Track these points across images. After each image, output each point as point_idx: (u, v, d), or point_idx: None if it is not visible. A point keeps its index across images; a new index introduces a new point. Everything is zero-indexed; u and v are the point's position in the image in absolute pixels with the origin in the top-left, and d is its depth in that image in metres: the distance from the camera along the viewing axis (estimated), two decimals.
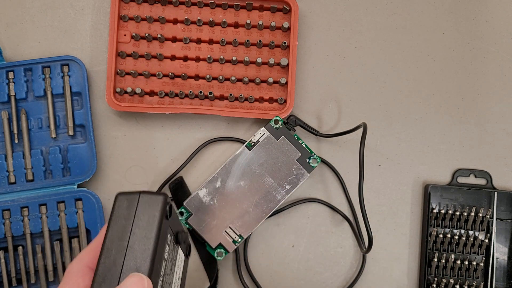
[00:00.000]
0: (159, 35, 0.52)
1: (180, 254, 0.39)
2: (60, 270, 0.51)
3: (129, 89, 0.52)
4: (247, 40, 0.52)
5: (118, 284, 0.30)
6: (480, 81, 0.56)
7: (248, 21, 0.52)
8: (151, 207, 0.33)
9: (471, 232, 0.53)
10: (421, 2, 0.56)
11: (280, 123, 0.51)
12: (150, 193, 0.34)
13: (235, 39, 0.53)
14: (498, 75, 0.56)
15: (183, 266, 0.40)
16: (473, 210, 0.53)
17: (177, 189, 0.52)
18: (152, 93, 0.53)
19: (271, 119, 0.52)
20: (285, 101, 0.53)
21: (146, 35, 0.52)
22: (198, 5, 0.53)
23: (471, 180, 0.55)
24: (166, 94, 0.53)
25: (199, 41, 0.53)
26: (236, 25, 0.53)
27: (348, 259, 0.54)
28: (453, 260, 0.53)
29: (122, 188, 0.53)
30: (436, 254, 0.53)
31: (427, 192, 0.54)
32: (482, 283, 0.53)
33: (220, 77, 0.53)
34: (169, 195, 0.53)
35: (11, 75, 0.51)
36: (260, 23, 0.52)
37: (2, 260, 0.50)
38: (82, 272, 0.32)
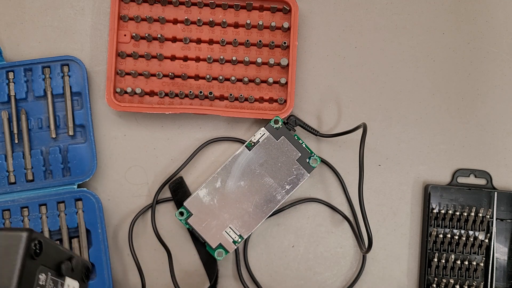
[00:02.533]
0: (159, 35, 0.52)
1: (71, 284, 0.35)
2: None
3: (129, 89, 0.52)
4: (247, 40, 0.52)
5: None
6: (480, 81, 0.56)
7: (248, 21, 0.52)
8: (10, 248, 0.28)
9: (471, 232, 0.53)
10: (421, 2, 0.56)
11: (280, 123, 0.51)
12: (9, 230, 0.29)
13: (235, 39, 0.53)
14: (498, 75, 0.56)
15: None
16: (473, 210, 0.53)
17: (177, 189, 0.52)
18: (152, 93, 0.53)
19: (271, 119, 0.52)
20: (285, 101, 0.53)
21: (146, 35, 0.52)
22: (198, 5, 0.53)
23: (471, 180, 0.55)
24: (166, 94, 0.53)
25: (199, 41, 0.53)
26: (236, 25, 0.53)
27: (348, 259, 0.54)
28: (453, 260, 0.53)
29: (122, 188, 0.53)
30: (436, 254, 0.53)
31: (427, 192, 0.54)
32: (482, 283, 0.53)
33: (220, 77, 0.53)
34: (170, 195, 0.53)
35: (11, 75, 0.51)
36: (260, 23, 0.52)
37: None
38: None
